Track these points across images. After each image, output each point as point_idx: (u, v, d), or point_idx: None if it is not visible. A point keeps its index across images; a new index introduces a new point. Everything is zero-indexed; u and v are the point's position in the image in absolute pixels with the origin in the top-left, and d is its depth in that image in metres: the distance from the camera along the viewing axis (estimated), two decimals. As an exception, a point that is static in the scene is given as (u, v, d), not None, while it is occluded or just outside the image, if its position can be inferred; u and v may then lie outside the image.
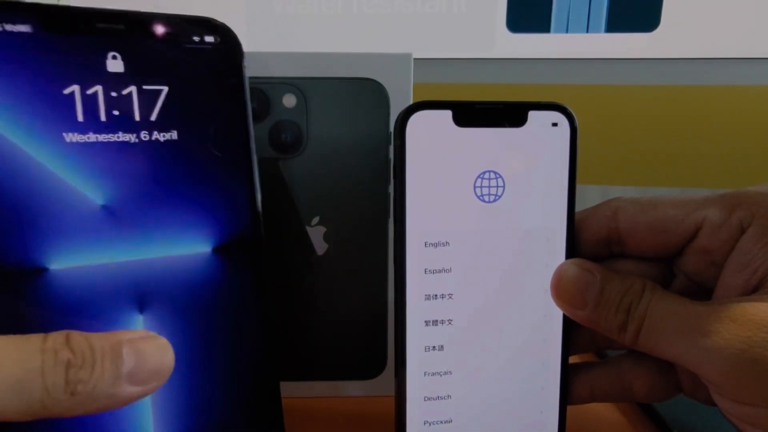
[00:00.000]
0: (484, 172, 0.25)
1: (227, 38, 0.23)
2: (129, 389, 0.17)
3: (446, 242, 0.25)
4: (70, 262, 0.20)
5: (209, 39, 0.22)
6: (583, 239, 0.25)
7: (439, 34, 0.58)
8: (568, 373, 0.26)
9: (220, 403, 0.23)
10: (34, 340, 0.16)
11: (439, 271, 0.25)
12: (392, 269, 0.28)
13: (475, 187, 0.25)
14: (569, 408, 0.26)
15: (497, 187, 0.25)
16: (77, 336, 0.16)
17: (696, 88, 0.56)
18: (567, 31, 0.57)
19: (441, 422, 0.25)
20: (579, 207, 0.26)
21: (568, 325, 0.25)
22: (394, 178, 0.24)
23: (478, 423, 0.26)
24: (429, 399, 0.25)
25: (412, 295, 0.25)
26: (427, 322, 0.25)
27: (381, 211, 0.29)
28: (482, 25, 0.57)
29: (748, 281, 0.22)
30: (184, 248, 0.22)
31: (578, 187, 0.25)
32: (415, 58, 0.29)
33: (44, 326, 0.18)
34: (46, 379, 0.15)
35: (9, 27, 0.20)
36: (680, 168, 0.58)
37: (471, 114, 0.24)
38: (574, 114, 0.25)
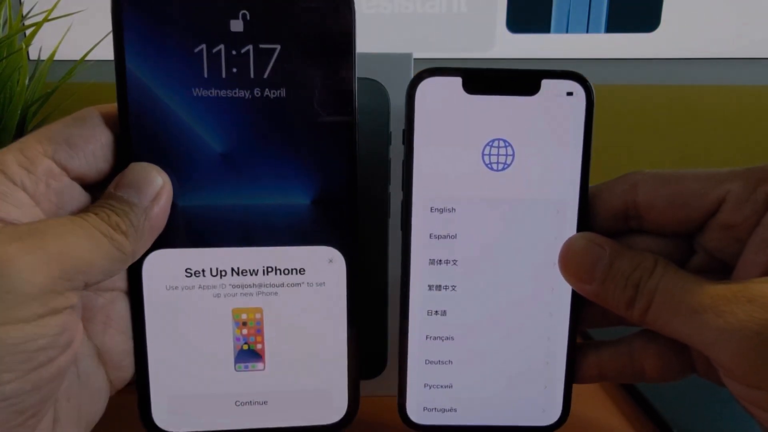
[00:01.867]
0: (493, 140, 0.24)
1: None
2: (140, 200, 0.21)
3: (452, 208, 0.24)
4: (193, 200, 0.23)
5: None
6: (599, 213, 0.24)
7: (439, 34, 0.57)
8: (575, 349, 0.25)
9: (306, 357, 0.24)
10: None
11: (444, 237, 0.24)
12: (393, 269, 0.29)
13: (483, 154, 0.24)
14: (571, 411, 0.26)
15: (506, 155, 0.24)
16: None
17: (696, 88, 0.56)
18: (567, 31, 0.57)
19: (441, 386, 0.25)
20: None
21: (577, 299, 0.25)
22: (403, 143, 0.24)
23: (479, 391, 0.25)
24: (430, 362, 0.25)
25: (416, 258, 0.24)
26: (430, 287, 0.25)
27: (381, 210, 0.29)
28: (482, 25, 0.57)
29: None
30: (285, 198, 0.23)
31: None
32: (415, 58, 0.29)
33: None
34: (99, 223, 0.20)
35: None
36: (680, 168, 0.58)
37: (481, 81, 0.24)
38: (591, 84, 0.24)
